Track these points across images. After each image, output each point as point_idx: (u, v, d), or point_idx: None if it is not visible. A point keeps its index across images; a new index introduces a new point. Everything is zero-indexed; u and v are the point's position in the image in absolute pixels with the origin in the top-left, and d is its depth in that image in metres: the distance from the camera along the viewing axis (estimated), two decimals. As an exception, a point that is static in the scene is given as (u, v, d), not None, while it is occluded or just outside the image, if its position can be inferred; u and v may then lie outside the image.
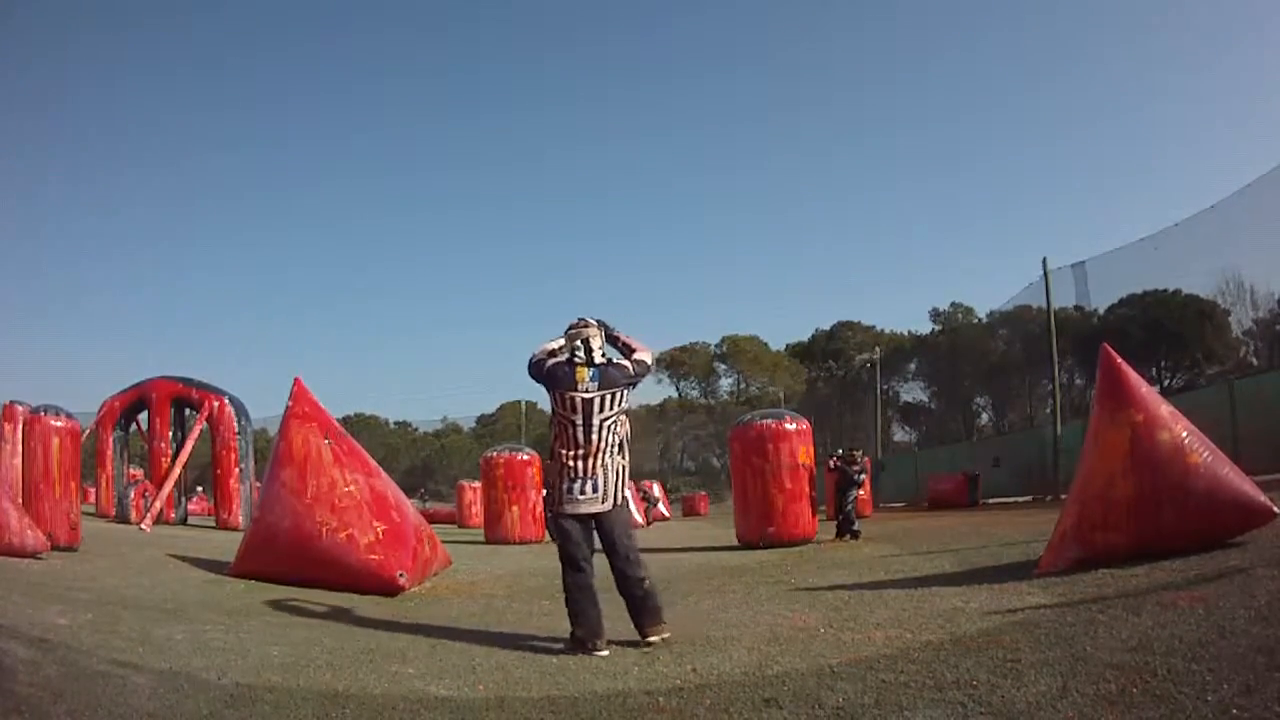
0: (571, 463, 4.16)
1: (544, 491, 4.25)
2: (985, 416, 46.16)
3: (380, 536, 6.33)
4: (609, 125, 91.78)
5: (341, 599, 5.90)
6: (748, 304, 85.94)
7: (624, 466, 4.29)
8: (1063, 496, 8.73)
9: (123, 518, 14.03)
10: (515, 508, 14.37)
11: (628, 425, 4.38)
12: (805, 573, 7.26)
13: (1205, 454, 5.11)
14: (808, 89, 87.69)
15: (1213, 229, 19.88)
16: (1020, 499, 20.02)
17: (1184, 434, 5.17)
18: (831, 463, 12.61)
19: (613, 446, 4.22)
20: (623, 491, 4.26)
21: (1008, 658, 3.22)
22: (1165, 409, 5.35)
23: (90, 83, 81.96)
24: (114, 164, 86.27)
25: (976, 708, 2.66)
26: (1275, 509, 4.98)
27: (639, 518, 21.44)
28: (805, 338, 58.02)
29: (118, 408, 16.53)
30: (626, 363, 4.36)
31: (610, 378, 4.25)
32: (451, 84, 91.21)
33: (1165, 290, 29.75)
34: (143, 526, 12.44)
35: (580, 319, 4.39)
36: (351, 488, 6.52)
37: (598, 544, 4.29)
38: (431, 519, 10.74)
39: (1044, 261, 21.70)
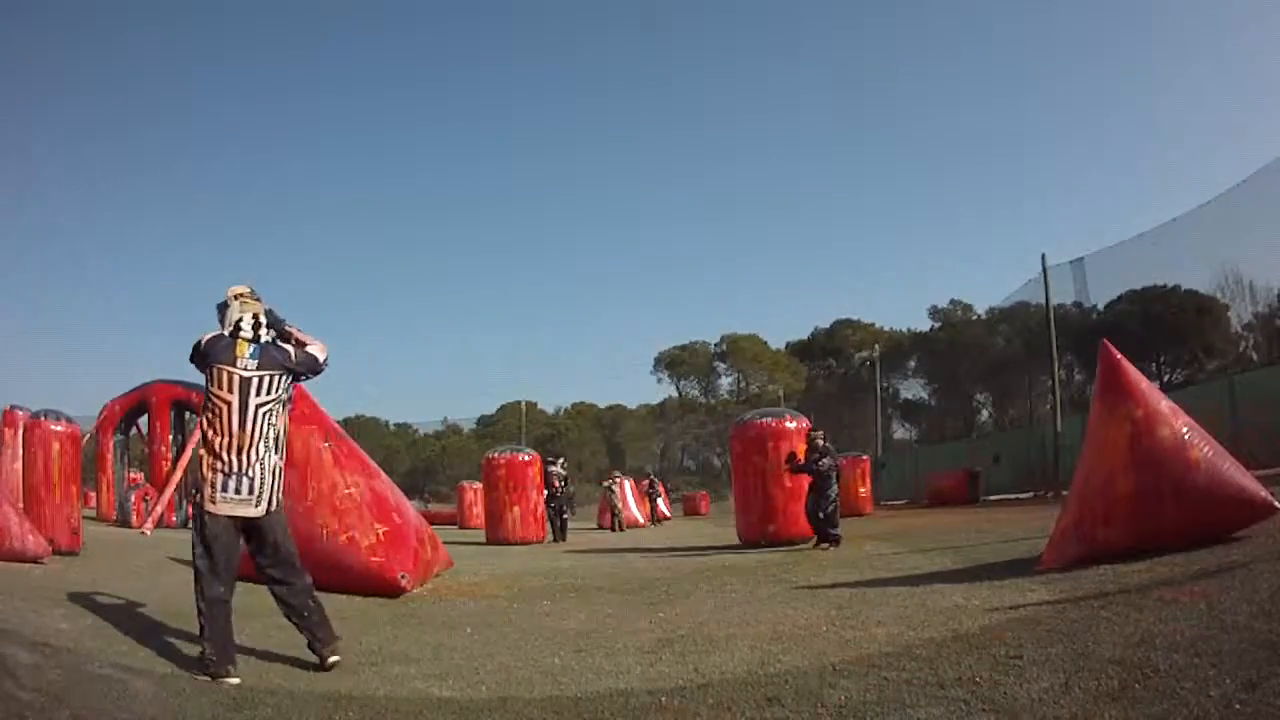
0: (225, 454, 3.64)
1: (194, 487, 3.77)
2: (985, 413, 46.15)
3: (381, 538, 6.33)
4: (608, 124, 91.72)
5: (343, 601, 5.89)
6: (747, 303, 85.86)
7: (280, 468, 3.83)
8: (1063, 493, 8.73)
9: (124, 521, 14.06)
10: (516, 508, 14.38)
11: (285, 421, 3.93)
12: (806, 571, 7.27)
13: (1206, 449, 5.11)
14: (807, 87, 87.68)
15: (1211, 224, 19.88)
16: (1021, 495, 20.02)
17: (1184, 429, 5.17)
18: (787, 465, 10.18)
19: (268, 439, 3.75)
20: (279, 495, 3.82)
21: (1010, 654, 3.22)
22: (1165, 404, 5.36)
23: (88, 82, 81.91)
24: (113, 165, 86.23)
25: (979, 704, 2.66)
26: (1276, 503, 4.98)
27: (639, 517, 21.40)
28: (805, 336, 58.13)
29: (118, 412, 16.55)
30: (289, 348, 3.94)
31: (271, 357, 3.83)
32: (450, 83, 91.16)
33: (1164, 286, 29.73)
34: (144, 530, 12.43)
35: (245, 288, 3.96)
36: (352, 490, 6.51)
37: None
38: (432, 520, 10.74)
39: (1043, 258, 21.77)
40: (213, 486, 3.64)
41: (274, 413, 3.80)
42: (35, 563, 6.86)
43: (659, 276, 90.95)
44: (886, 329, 53.11)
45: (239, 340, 3.79)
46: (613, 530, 18.14)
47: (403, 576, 6.23)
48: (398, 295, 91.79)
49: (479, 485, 19.10)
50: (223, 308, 3.92)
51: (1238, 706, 2.34)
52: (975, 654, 3.31)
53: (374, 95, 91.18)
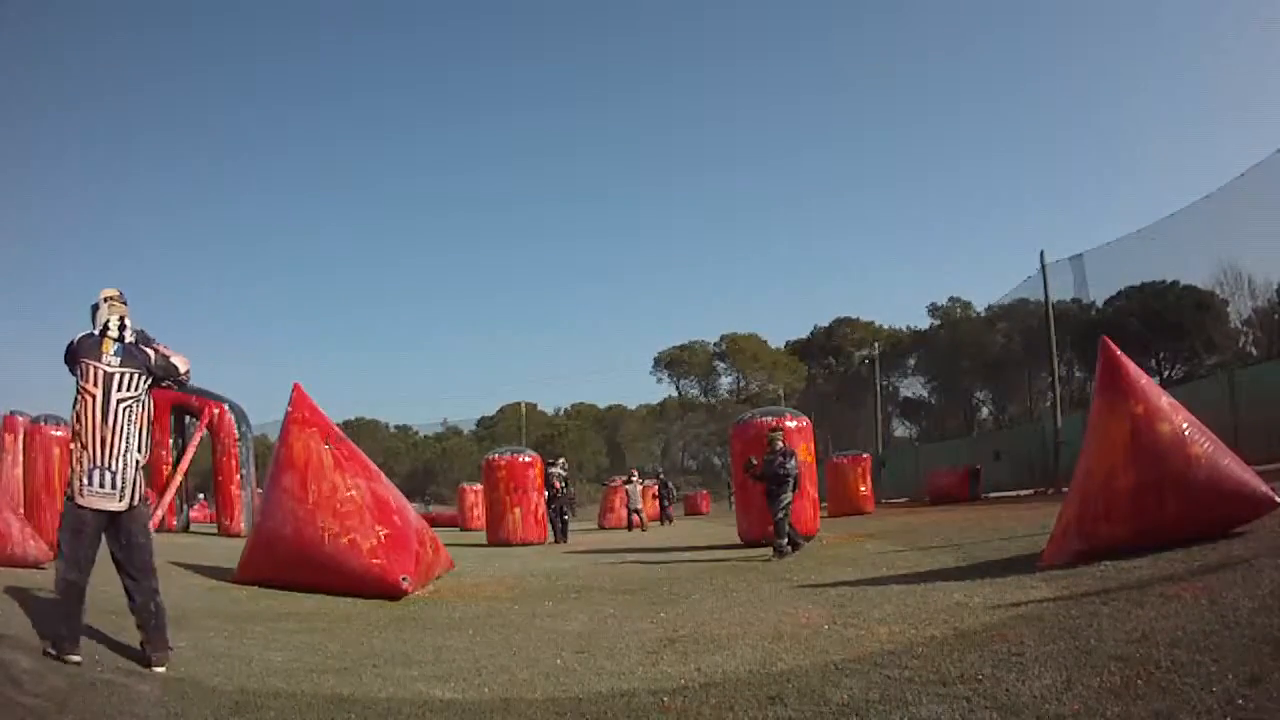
0: (91, 447, 3.83)
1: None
2: (985, 410, 46.16)
3: (382, 540, 6.33)
4: (608, 124, 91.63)
5: (345, 603, 5.90)
6: (747, 302, 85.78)
7: (140, 463, 3.98)
8: (1064, 490, 8.73)
9: (124, 526, 14.00)
10: (517, 510, 14.37)
11: (147, 420, 4.08)
12: (808, 570, 7.28)
13: (1206, 444, 5.12)
14: (806, 86, 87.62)
15: (1209, 219, 19.88)
16: (1021, 492, 20.04)
17: (1184, 425, 5.18)
18: (747, 471, 9.58)
19: (130, 435, 3.93)
20: (141, 490, 3.99)
21: (1012, 651, 3.22)
22: (1165, 400, 5.36)
23: (87, 85, 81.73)
24: (111, 168, 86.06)
25: (981, 701, 2.66)
26: (1277, 498, 4.98)
27: (640, 518, 21.35)
28: (805, 335, 58.11)
29: (118, 416, 16.52)
30: (150, 351, 4.13)
31: (133, 356, 4.03)
32: (450, 84, 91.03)
33: (1163, 281, 29.75)
34: (145, 534, 12.42)
35: (114, 291, 4.16)
36: (353, 492, 6.51)
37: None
38: (434, 522, 10.76)
39: (1041, 255, 21.77)
40: (79, 479, 3.83)
41: (134, 410, 4.00)
42: (36, 568, 6.85)
43: (659, 276, 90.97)
44: (886, 327, 53.13)
45: (105, 338, 4.01)
46: (630, 529, 18.20)
47: (404, 579, 6.23)
48: (397, 298, 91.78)
49: (480, 487, 19.08)
50: (95, 309, 4.13)
51: (1240, 702, 2.34)
52: (977, 651, 3.31)
53: (374, 95, 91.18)
